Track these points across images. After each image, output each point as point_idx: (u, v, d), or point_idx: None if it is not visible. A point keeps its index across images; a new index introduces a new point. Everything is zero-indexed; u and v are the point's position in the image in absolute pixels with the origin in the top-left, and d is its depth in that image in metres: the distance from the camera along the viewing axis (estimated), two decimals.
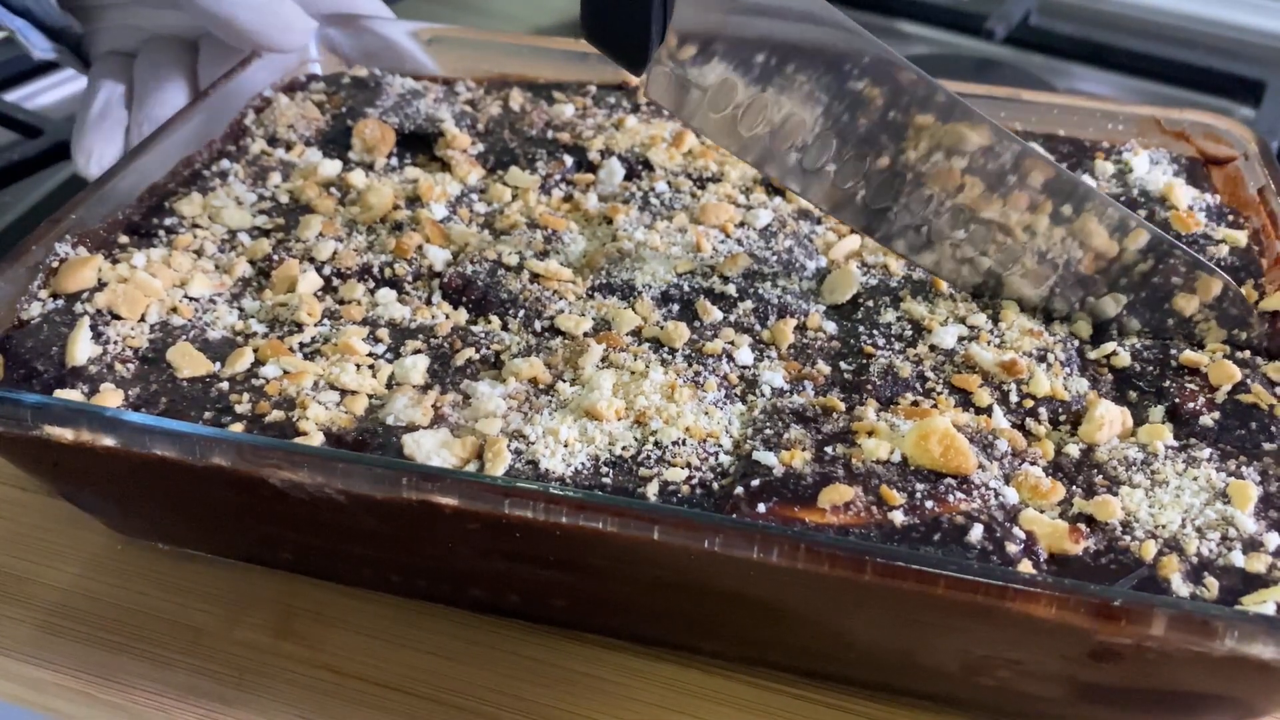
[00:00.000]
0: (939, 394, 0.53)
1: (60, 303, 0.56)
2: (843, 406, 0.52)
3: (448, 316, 0.57)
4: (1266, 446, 0.51)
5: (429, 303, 0.58)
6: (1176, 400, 0.53)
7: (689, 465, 0.48)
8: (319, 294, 0.59)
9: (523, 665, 0.52)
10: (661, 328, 0.56)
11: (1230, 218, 0.65)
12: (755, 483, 0.46)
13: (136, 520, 0.56)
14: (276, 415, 0.50)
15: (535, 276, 0.60)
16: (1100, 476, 0.49)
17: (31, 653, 0.52)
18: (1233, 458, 0.50)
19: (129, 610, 0.54)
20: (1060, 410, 0.52)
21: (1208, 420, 0.52)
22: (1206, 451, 0.50)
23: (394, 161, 0.71)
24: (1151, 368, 0.55)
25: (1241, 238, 0.63)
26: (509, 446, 0.48)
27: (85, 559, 0.57)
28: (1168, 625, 0.39)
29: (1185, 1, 1.22)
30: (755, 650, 0.51)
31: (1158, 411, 0.53)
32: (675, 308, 0.58)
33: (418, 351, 0.55)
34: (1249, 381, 0.54)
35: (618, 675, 0.52)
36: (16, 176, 0.94)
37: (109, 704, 0.51)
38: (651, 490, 0.47)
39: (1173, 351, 0.56)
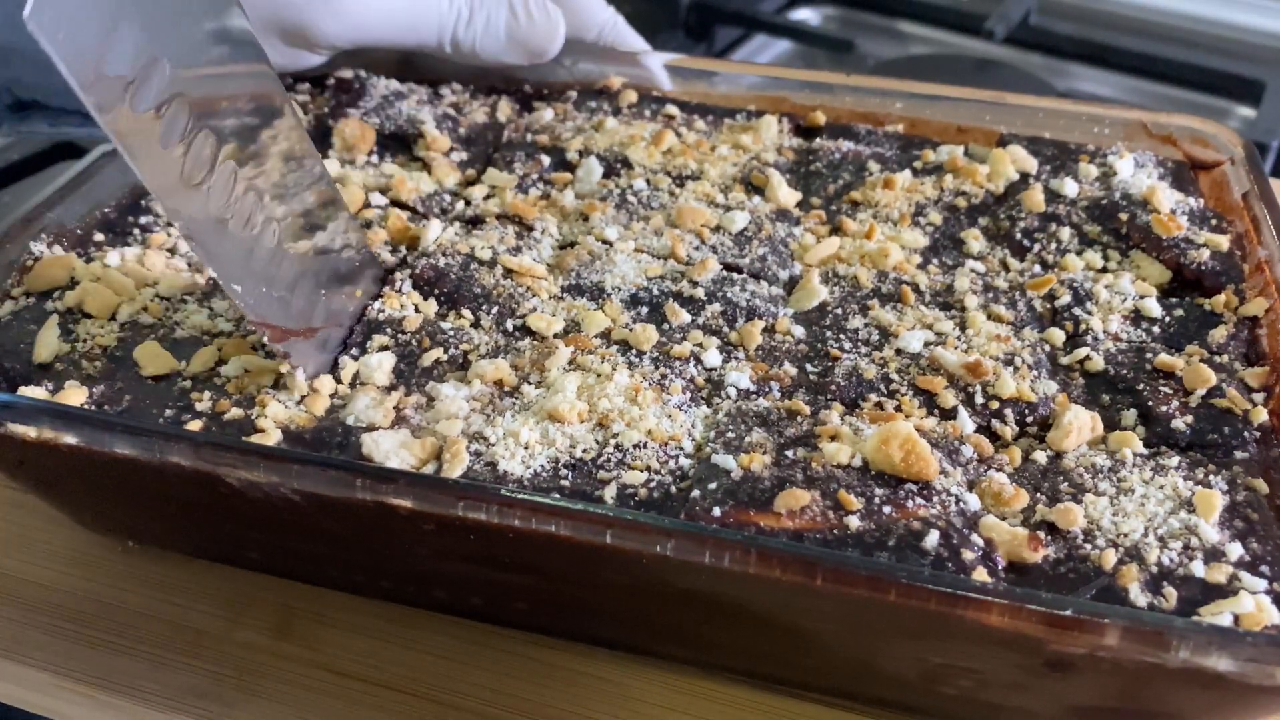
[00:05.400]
0: (903, 395, 0.52)
1: (32, 300, 0.56)
2: (807, 410, 0.51)
3: (417, 309, 0.57)
4: (1238, 455, 0.50)
5: (399, 291, 0.58)
6: (1150, 403, 0.52)
7: (649, 468, 0.48)
8: None
9: (523, 665, 0.52)
10: (630, 330, 0.56)
11: (1214, 222, 0.64)
12: (712, 486, 0.46)
13: (104, 518, 0.56)
14: (236, 413, 0.50)
15: (508, 272, 0.59)
16: (1066, 484, 0.48)
17: (33, 654, 0.53)
18: (1201, 466, 0.49)
19: (130, 612, 0.55)
20: (1027, 412, 0.52)
21: (1180, 424, 0.51)
22: (1175, 459, 0.50)
23: (374, 159, 0.71)
24: (1126, 371, 0.55)
25: (1224, 242, 0.62)
26: (468, 448, 0.48)
27: (86, 561, 0.57)
28: (1119, 636, 0.39)
29: (1185, 1, 1.21)
30: (715, 655, 0.51)
31: (1130, 415, 0.52)
32: (644, 310, 0.58)
33: (384, 348, 0.54)
34: (1224, 386, 0.53)
35: (618, 675, 0.52)
36: (16, 176, 0.95)
37: (109, 705, 0.51)
38: (609, 493, 0.46)
39: (1148, 355, 0.55)
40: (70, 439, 0.46)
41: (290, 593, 0.55)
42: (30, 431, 0.46)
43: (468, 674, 0.52)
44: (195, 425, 0.49)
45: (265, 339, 0.50)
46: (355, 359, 0.54)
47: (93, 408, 0.50)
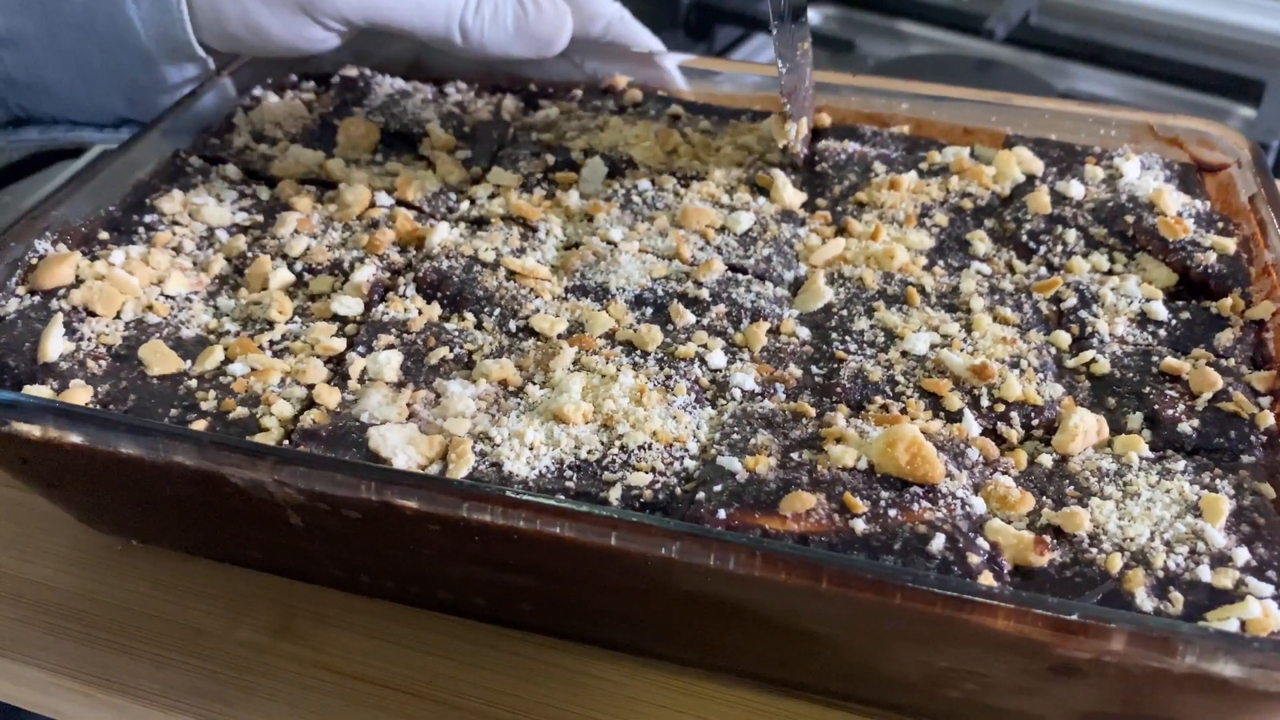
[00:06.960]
0: (909, 398, 0.52)
1: (37, 299, 0.56)
2: (813, 412, 0.51)
3: (420, 312, 0.57)
4: (1244, 459, 0.50)
5: (403, 295, 0.58)
6: (1156, 407, 0.52)
7: (654, 470, 0.48)
8: (291, 290, 0.59)
9: (523, 665, 0.52)
10: (635, 330, 0.56)
11: (1220, 225, 0.64)
12: (717, 488, 0.46)
13: (106, 517, 0.56)
14: (241, 412, 0.50)
15: (512, 274, 0.59)
16: (1072, 487, 0.48)
17: (32, 653, 0.53)
18: (1208, 470, 0.49)
19: (130, 611, 0.54)
20: (1033, 415, 0.52)
21: (1186, 428, 0.51)
22: (1181, 464, 0.49)
23: (378, 158, 0.71)
24: (1132, 374, 0.55)
25: (1230, 245, 0.62)
26: (474, 449, 0.48)
27: (87, 560, 0.57)
28: (1125, 641, 0.39)
29: (1185, 1, 1.20)
30: (719, 657, 0.51)
31: (1136, 418, 0.52)
32: (649, 310, 0.58)
33: (390, 347, 0.54)
34: (1230, 389, 0.53)
35: (619, 675, 0.52)
36: (16, 176, 0.95)
37: (109, 704, 0.51)
38: (614, 495, 0.46)
39: (1154, 358, 0.55)
40: (74, 438, 0.46)
41: (291, 592, 0.55)
42: (34, 430, 0.46)
43: (468, 674, 0.52)
44: (200, 425, 0.49)
45: None
46: (362, 356, 0.54)
47: (97, 407, 0.50)
